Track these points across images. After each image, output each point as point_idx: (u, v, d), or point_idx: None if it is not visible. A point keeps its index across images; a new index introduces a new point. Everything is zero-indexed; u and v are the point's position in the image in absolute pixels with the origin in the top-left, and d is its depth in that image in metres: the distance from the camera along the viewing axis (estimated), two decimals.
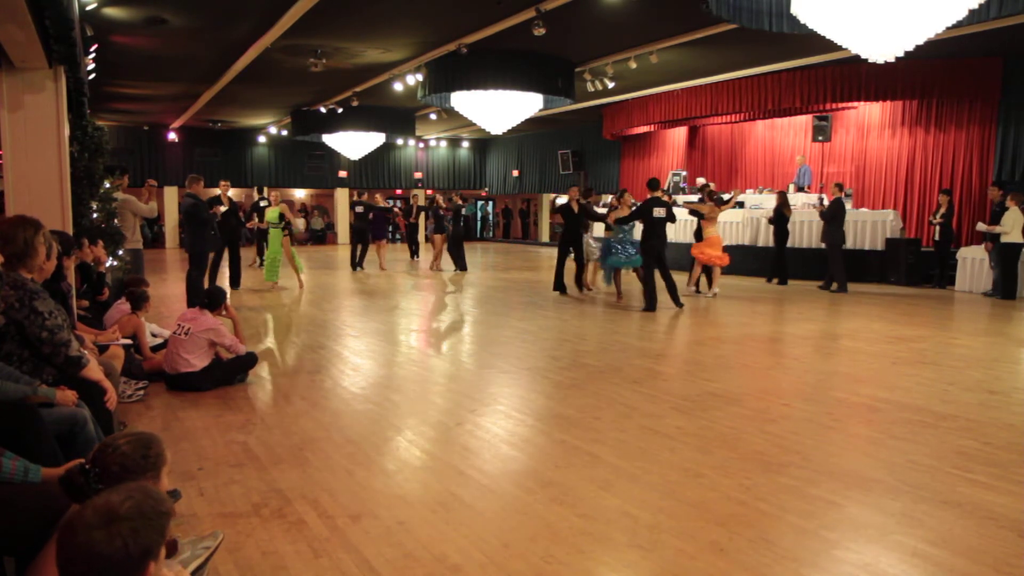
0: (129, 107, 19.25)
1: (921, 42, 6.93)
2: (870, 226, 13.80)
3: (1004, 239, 11.24)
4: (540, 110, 14.64)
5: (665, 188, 16.36)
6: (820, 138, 16.40)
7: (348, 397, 5.52)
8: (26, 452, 2.54)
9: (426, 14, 10.27)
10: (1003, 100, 13.36)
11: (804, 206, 14.46)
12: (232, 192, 12.59)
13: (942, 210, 12.62)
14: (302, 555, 2.94)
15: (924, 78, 13.44)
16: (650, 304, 9.84)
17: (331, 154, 24.15)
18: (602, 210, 11.93)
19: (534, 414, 5.00)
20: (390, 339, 8.08)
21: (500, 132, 15.28)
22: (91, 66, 10.01)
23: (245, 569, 2.82)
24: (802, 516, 3.32)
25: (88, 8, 8.94)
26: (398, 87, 14.26)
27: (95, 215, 7.21)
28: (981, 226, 11.82)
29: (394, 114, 19.05)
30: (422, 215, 20.33)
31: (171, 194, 23.14)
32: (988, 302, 11.20)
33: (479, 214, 31.98)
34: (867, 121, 16.02)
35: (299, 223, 19.25)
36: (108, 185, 7.86)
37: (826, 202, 13.44)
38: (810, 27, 7.34)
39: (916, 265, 13.18)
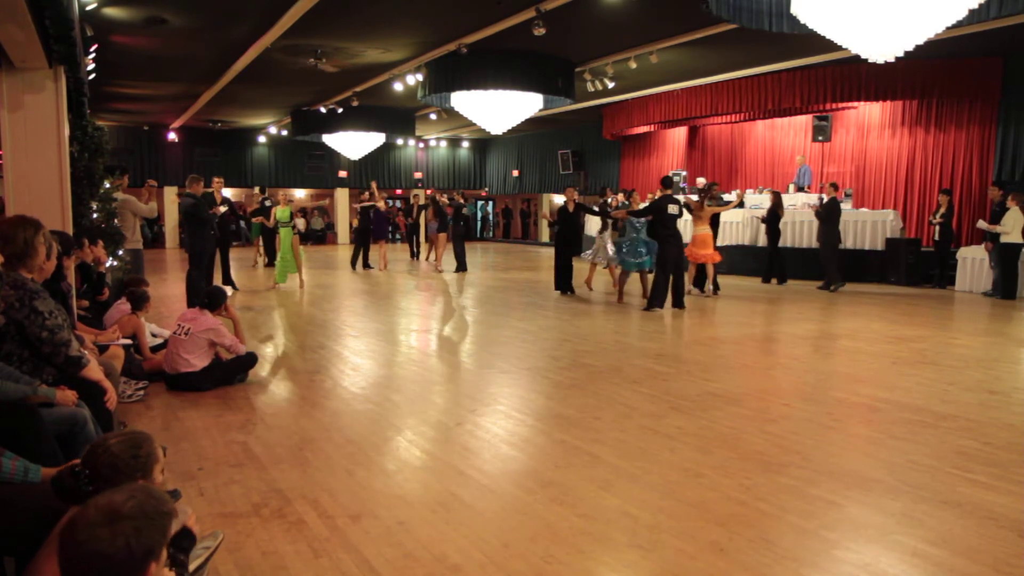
0: (129, 107, 19.24)
1: (921, 42, 6.93)
2: (870, 226, 13.78)
3: (1004, 239, 11.24)
4: (540, 110, 14.63)
5: None
6: (820, 138, 16.40)
7: (348, 397, 5.52)
8: (26, 452, 2.54)
9: (426, 14, 10.27)
10: (1003, 100, 13.35)
11: (804, 206, 14.45)
12: (228, 192, 12.56)
13: (942, 210, 12.62)
14: (302, 555, 2.94)
15: (924, 78, 13.42)
16: (657, 302, 9.75)
17: (331, 154, 24.14)
18: (617, 209, 11.78)
19: (534, 414, 5.01)
20: (390, 339, 8.09)
21: (500, 132, 15.27)
22: (91, 66, 10.00)
23: (245, 569, 2.82)
24: (802, 516, 3.32)
25: (88, 8, 8.93)
26: (398, 87, 14.26)
27: (95, 215, 7.21)
28: (981, 223, 11.82)
29: (394, 114, 19.04)
30: (422, 214, 20.33)
31: (171, 194, 23.11)
32: (988, 302, 11.20)
33: (479, 214, 31.98)
34: (867, 121, 16.00)
35: (299, 223, 19.25)
36: (108, 185, 7.85)
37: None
38: (810, 27, 7.34)
39: (916, 265, 13.17)
